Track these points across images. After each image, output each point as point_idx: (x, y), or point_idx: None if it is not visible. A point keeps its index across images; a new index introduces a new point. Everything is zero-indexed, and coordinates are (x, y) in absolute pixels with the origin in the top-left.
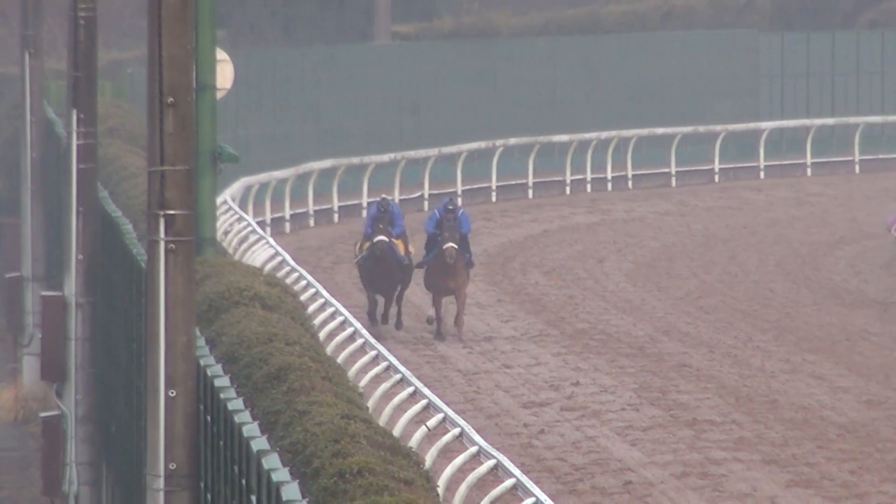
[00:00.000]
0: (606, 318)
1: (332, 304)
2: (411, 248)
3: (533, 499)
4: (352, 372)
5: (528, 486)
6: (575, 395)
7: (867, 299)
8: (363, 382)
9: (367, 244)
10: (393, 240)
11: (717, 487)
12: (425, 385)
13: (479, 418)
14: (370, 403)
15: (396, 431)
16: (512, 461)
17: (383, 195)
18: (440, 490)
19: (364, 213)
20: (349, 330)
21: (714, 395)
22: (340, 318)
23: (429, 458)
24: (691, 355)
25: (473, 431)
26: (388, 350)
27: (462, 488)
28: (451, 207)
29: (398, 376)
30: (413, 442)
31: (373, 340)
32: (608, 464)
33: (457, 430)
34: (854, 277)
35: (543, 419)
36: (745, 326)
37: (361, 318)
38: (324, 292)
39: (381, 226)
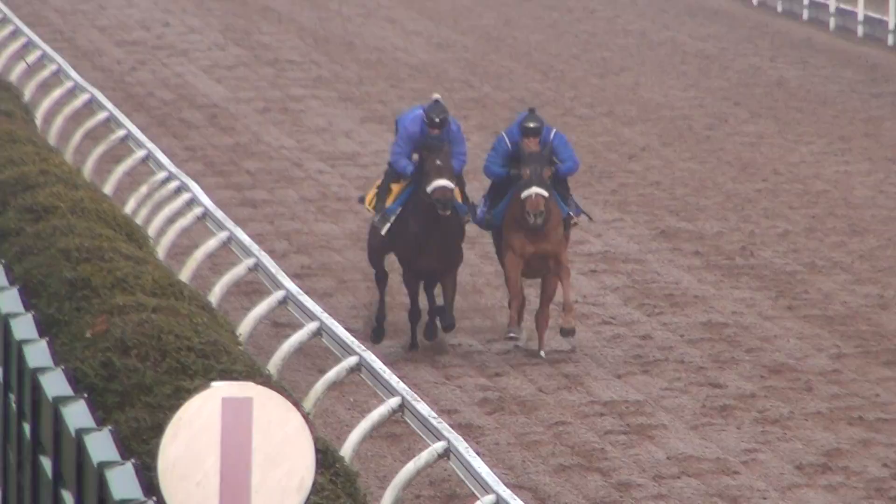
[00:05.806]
0: None
1: None
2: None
3: (125, 131)
4: None
5: (120, 118)
6: (165, 34)
7: None
8: None
9: (399, 187)
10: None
11: (297, 122)
12: (25, 24)
13: (76, 56)
14: None
15: None
16: (106, 96)
17: (436, 96)
18: (38, 122)
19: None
20: None
21: (294, 36)
22: None
23: (28, 93)
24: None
25: (70, 68)
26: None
27: (59, 120)
28: (532, 125)
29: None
30: (13, 77)
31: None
32: (195, 99)
33: (54, 67)
34: None
35: (135, 57)
36: None
37: None
38: None
39: (437, 161)
